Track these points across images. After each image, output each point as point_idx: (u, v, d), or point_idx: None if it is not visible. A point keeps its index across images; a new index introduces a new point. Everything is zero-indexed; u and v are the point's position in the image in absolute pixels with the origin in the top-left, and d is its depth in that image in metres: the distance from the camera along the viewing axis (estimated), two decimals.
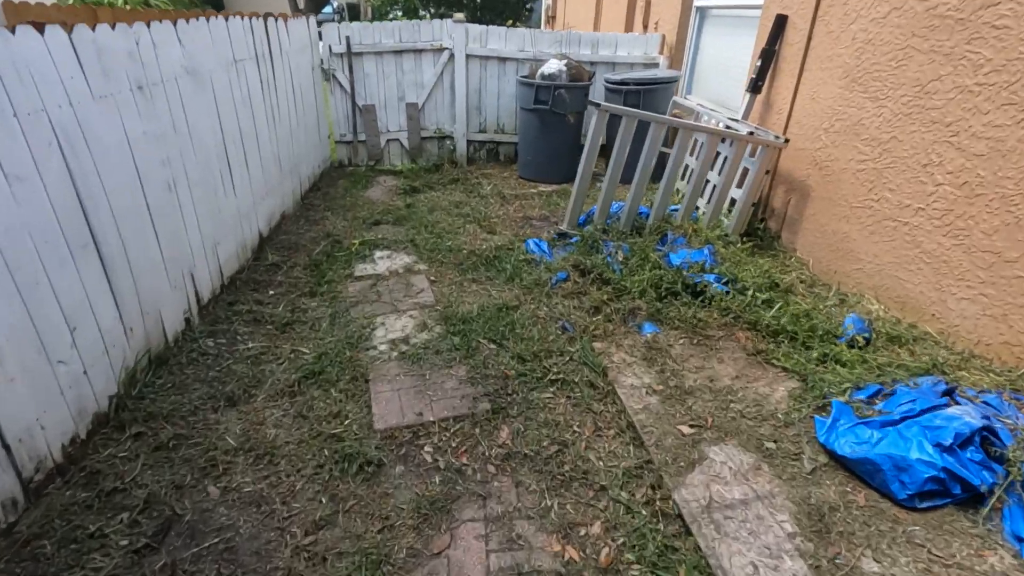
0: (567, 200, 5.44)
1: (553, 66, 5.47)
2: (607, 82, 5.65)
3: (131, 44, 2.45)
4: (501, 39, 6.13)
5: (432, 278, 3.84)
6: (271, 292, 3.59)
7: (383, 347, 3.00)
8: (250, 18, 3.84)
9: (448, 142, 6.54)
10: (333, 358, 2.89)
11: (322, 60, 5.93)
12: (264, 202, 4.11)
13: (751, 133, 3.67)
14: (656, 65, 6.37)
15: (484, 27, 6.08)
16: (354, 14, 31.42)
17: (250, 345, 2.99)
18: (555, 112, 5.50)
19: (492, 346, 3.03)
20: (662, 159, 4.15)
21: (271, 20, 4.26)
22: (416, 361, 2.87)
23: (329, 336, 3.11)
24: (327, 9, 24.52)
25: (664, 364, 2.76)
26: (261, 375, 2.76)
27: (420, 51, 6.07)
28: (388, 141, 6.45)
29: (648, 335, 3.00)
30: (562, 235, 4.17)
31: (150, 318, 2.61)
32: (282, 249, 4.19)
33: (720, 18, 5.61)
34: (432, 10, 18.73)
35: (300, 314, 3.33)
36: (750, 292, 3.15)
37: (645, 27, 7.11)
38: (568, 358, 2.90)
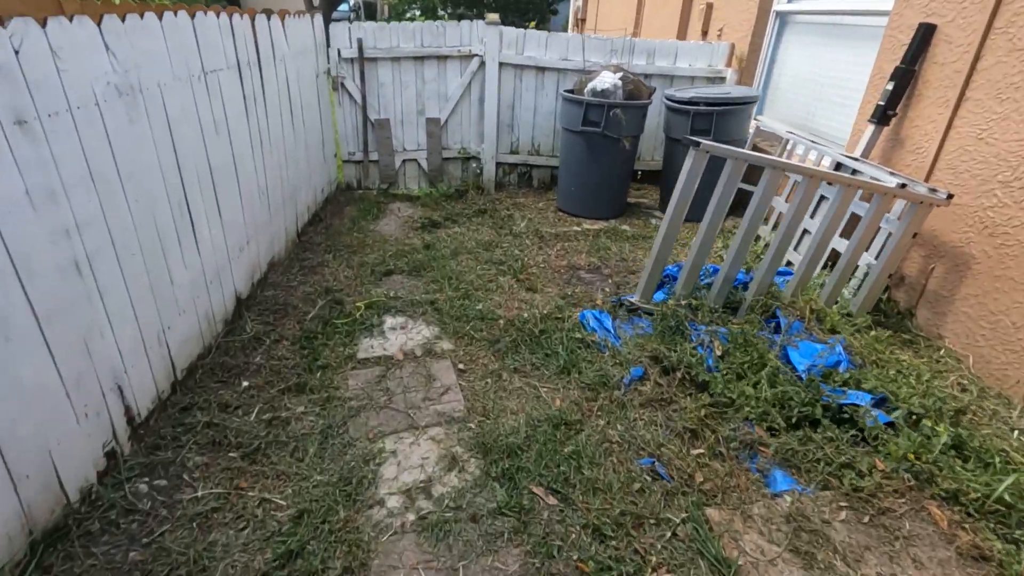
0: (618, 243, 4.47)
1: (607, 80, 4.51)
2: (669, 100, 4.68)
3: (4, 54, 1.52)
4: (540, 45, 5.18)
5: (460, 365, 2.88)
6: (244, 385, 2.65)
7: (394, 502, 2.05)
8: (230, 15, 2.91)
9: (474, 164, 5.60)
10: (319, 522, 1.94)
11: (329, 66, 5.00)
12: (244, 254, 3.17)
13: (903, 185, 2.69)
14: (723, 79, 5.39)
15: (521, 31, 5.14)
16: (371, 12, 30.67)
17: (200, 493, 2.05)
18: (607, 136, 4.54)
19: (552, 500, 2.07)
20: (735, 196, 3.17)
21: (261, 18, 3.33)
22: (443, 536, 1.92)
23: (316, 473, 2.16)
24: (343, 7, 23.73)
25: (829, 565, 1.79)
26: (209, 556, 1.82)
27: (445, 58, 5.13)
28: (404, 161, 5.52)
29: (786, 496, 2.03)
30: (631, 308, 3.18)
31: (34, 481, 1.67)
32: (266, 313, 3.26)
33: (811, 26, 4.62)
34: (450, 9, 17.83)
35: (279, 428, 2.39)
36: (932, 433, 2.16)
37: (704, 34, 6.13)
38: (670, 532, 1.93)
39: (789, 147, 4.13)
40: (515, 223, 4.83)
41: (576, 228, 4.79)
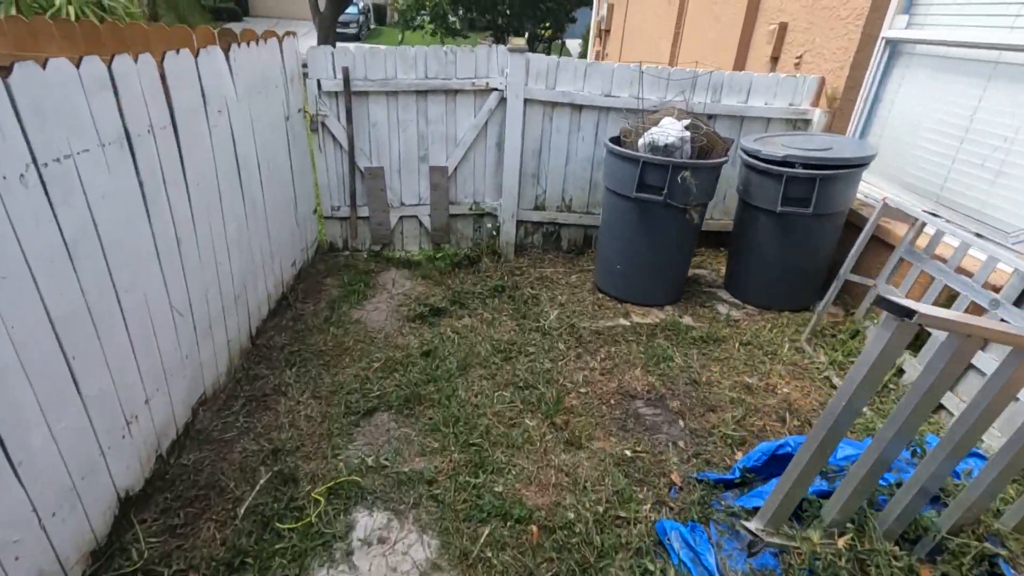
0: (682, 350, 3.30)
1: (672, 132, 3.36)
2: (752, 156, 3.53)
3: None
4: (577, 77, 4.04)
5: None
6: None
7: None
8: (108, 63, 1.79)
9: (488, 222, 4.47)
10: None
11: (306, 103, 3.90)
12: (137, 426, 2.05)
13: None
14: (806, 123, 4.24)
15: (553, 59, 4.01)
16: (380, 16, 29.73)
17: None
18: (670, 205, 3.39)
19: None
20: None
21: (178, 59, 2.20)
22: None
23: None
24: (352, 10, 22.74)
25: None
26: None
27: (455, 92, 4.01)
28: (402, 218, 4.40)
29: None
30: (752, 547, 2.01)
31: None
32: (175, 507, 2.13)
33: (943, 60, 3.45)
34: (461, 12, 16.78)
35: None
36: None
37: (774, 60, 4.98)
38: None
39: (930, 233, 2.97)
40: (543, 310, 3.70)
41: (623, 321, 3.64)
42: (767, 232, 3.59)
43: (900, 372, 2.96)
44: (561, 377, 3.06)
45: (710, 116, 4.19)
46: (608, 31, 11.63)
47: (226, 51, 2.65)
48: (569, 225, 4.53)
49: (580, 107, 4.11)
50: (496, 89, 3.99)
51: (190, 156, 2.31)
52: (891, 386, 2.94)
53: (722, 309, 3.84)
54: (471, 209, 4.40)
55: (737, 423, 2.74)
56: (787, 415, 2.80)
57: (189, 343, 2.39)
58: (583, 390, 2.97)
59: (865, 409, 2.81)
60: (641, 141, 3.47)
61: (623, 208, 3.57)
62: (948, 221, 2.84)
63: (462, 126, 4.12)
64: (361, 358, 3.15)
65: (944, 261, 2.86)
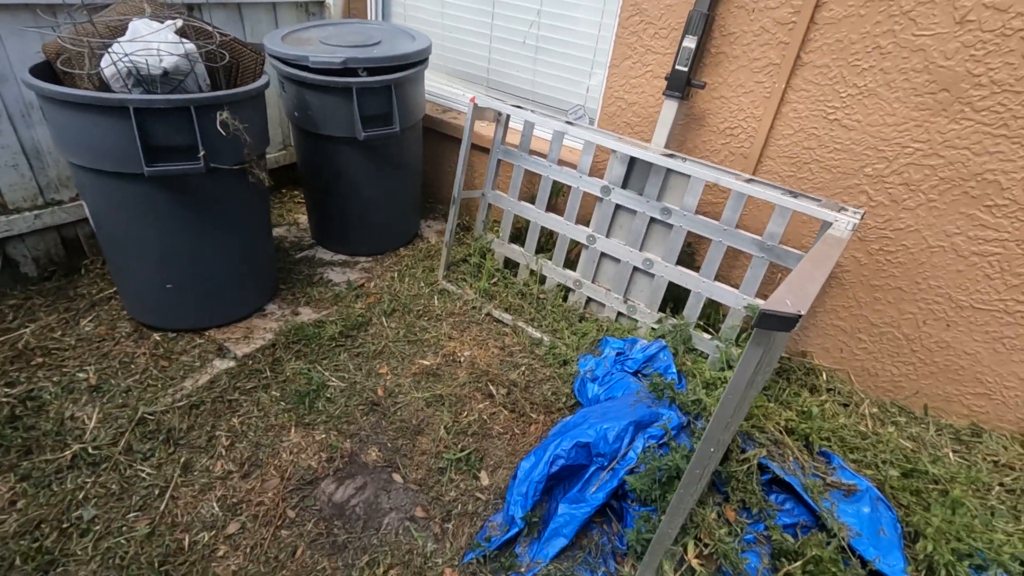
0: (331, 366, 2.35)
1: (165, 47, 1.91)
2: (291, 65, 2.47)
3: None
4: None
5: None
6: None
7: None
8: None
9: None
10: None
11: None
12: None
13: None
14: (320, 6, 3.31)
15: None
16: None
17: None
18: (217, 169, 2.06)
19: None
20: None
21: None
22: None
23: None
24: None
25: None
26: None
27: None
28: None
29: None
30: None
31: None
32: None
33: None
34: None
35: None
36: None
37: None
38: None
39: (517, 125, 2.74)
40: (66, 416, 1.99)
41: (220, 364, 2.32)
42: (353, 165, 2.74)
43: (543, 280, 2.85)
44: (178, 531, 1.71)
45: (190, 8, 2.75)
46: None
47: None
48: (24, 235, 2.51)
49: None
50: None
51: None
52: (541, 295, 2.82)
53: (335, 276, 2.93)
54: None
55: (455, 432, 2.12)
56: (489, 385, 2.35)
57: None
58: (233, 535, 1.73)
59: (540, 335, 2.62)
60: (109, 69, 1.89)
61: (132, 197, 2.02)
62: (536, 112, 2.63)
63: None
64: None
65: (544, 156, 2.70)
